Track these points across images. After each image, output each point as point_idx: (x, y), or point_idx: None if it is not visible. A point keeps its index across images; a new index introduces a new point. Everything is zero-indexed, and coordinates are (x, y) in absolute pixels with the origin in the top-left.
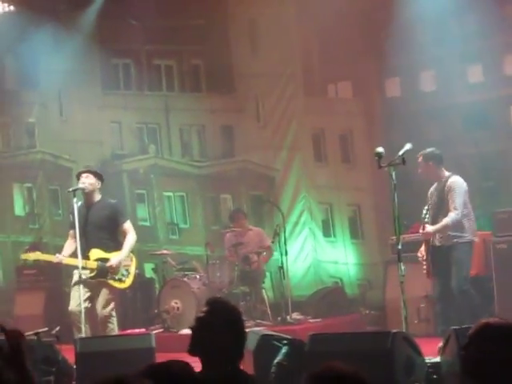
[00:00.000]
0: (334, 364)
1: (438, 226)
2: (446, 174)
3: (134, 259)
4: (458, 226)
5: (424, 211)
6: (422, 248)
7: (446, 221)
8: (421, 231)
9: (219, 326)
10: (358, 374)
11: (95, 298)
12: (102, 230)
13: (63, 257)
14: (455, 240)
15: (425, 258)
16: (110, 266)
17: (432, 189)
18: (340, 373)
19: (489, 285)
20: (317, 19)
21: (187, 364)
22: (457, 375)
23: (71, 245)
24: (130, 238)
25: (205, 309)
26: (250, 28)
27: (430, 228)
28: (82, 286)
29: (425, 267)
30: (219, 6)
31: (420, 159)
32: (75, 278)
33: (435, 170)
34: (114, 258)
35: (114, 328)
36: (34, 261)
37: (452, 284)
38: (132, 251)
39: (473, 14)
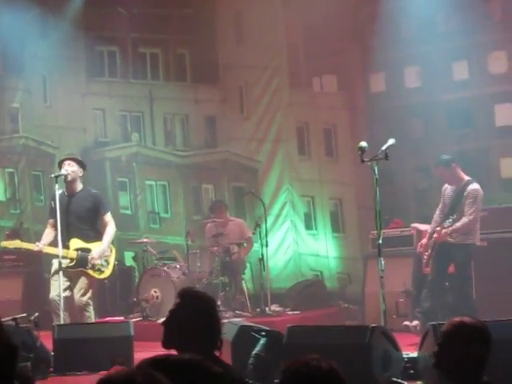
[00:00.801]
0: (310, 358)
1: (450, 229)
2: (466, 178)
3: (113, 250)
4: (469, 229)
5: (437, 213)
6: (424, 240)
7: (458, 225)
8: (435, 235)
9: (190, 316)
10: (333, 368)
11: (74, 287)
12: (83, 220)
13: (43, 246)
14: (465, 241)
15: (428, 252)
16: (92, 258)
17: (448, 190)
18: (315, 367)
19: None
20: (303, 12)
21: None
22: (434, 370)
23: (50, 233)
24: (110, 230)
25: (176, 301)
26: (236, 19)
27: (443, 231)
28: (61, 274)
29: (425, 257)
30: None
31: (440, 166)
32: (55, 266)
33: (457, 173)
34: (95, 250)
35: (90, 316)
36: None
37: (454, 282)
38: (112, 242)
39: (459, 11)
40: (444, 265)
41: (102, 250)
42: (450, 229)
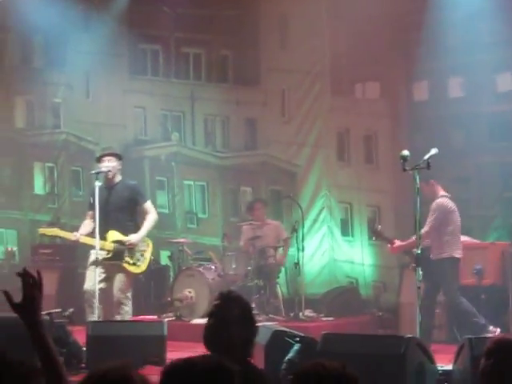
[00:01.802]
0: (330, 363)
1: (405, 243)
2: (440, 194)
3: (150, 245)
4: (440, 242)
5: None
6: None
7: (412, 238)
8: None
9: (232, 321)
10: (348, 372)
11: (110, 280)
12: (123, 211)
13: (80, 235)
14: (440, 255)
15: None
16: (130, 244)
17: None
18: (329, 371)
19: (503, 295)
20: (347, 19)
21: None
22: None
23: (88, 225)
24: (151, 218)
25: (217, 302)
26: (280, 23)
27: (397, 243)
28: (97, 266)
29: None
30: None
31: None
32: (92, 258)
33: (435, 190)
34: (134, 236)
35: (128, 311)
36: (51, 240)
37: (446, 298)
38: (149, 237)
39: (504, 22)
40: (430, 283)
41: (140, 236)
42: (405, 242)
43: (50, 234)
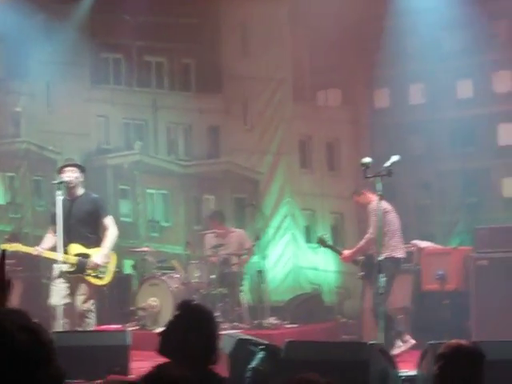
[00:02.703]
0: (310, 375)
1: (354, 250)
2: (372, 198)
3: (113, 257)
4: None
5: None
6: None
7: (359, 243)
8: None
9: (188, 328)
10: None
11: (74, 293)
12: (85, 224)
13: (42, 250)
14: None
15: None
16: (95, 264)
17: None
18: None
19: (466, 300)
20: (309, 26)
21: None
22: None
23: (50, 238)
24: (111, 234)
25: (176, 313)
26: (241, 30)
27: (346, 252)
28: (62, 280)
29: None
30: (212, 6)
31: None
32: (55, 272)
33: (367, 198)
34: (97, 255)
35: (91, 323)
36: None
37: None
38: (113, 249)
39: (464, 30)
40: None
41: (103, 255)
42: (353, 250)
43: (11, 249)
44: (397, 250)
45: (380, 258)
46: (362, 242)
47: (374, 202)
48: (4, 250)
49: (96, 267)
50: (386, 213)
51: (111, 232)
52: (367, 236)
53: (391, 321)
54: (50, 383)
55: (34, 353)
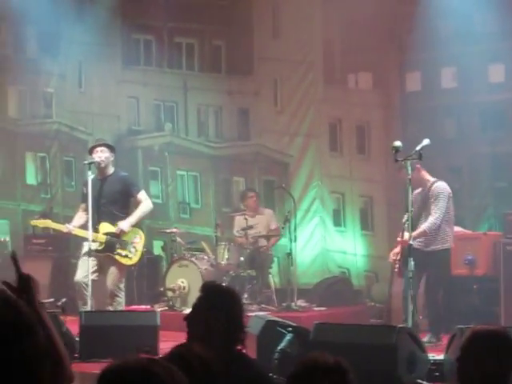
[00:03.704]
0: (318, 355)
1: (415, 233)
2: (431, 179)
3: (142, 237)
4: (438, 231)
5: (404, 219)
6: (397, 249)
7: (423, 227)
8: (398, 239)
9: (210, 309)
10: (341, 363)
11: (102, 272)
12: (115, 203)
13: (73, 227)
14: (435, 246)
15: (398, 258)
16: (120, 231)
17: (415, 195)
18: (322, 363)
19: (495, 286)
20: (340, 8)
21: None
22: None
23: (81, 217)
24: (143, 206)
25: (199, 295)
26: (273, 12)
27: (407, 235)
28: (90, 258)
29: (397, 266)
30: None
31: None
32: (84, 249)
33: (422, 176)
34: (123, 222)
35: (121, 302)
36: (44, 230)
37: (427, 288)
38: (141, 227)
39: (497, 13)
40: (419, 274)
41: (129, 223)
42: (416, 232)
43: (41, 225)
44: (451, 240)
45: (437, 248)
46: (425, 226)
47: (443, 183)
48: (14, 253)
49: (121, 233)
50: (451, 198)
51: (144, 205)
52: (432, 220)
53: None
54: (32, 357)
55: (15, 326)
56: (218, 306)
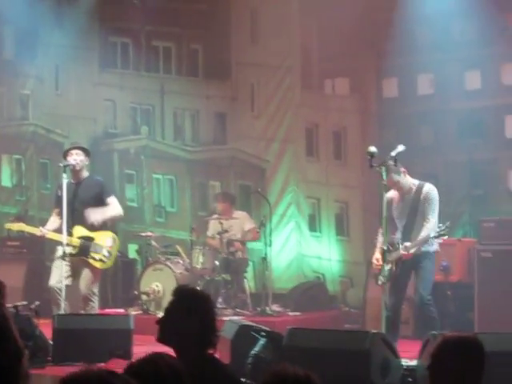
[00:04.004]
0: (288, 368)
1: (417, 242)
2: (416, 181)
3: (117, 241)
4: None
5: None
6: (377, 255)
7: (425, 233)
8: (402, 252)
9: (183, 314)
10: (311, 378)
11: (76, 276)
12: (89, 207)
13: (47, 231)
14: (423, 249)
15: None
16: (95, 220)
17: (395, 201)
18: (291, 376)
19: (469, 292)
20: (319, 13)
21: (172, 358)
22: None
23: (55, 221)
24: (114, 208)
25: (171, 299)
26: (251, 17)
27: (410, 246)
28: (64, 262)
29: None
30: None
31: (393, 177)
32: (58, 253)
33: (408, 178)
34: (94, 211)
35: (94, 306)
36: (18, 232)
37: (415, 295)
38: (116, 233)
39: (475, 21)
40: (406, 280)
41: (101, 216)
42: (419, 241)
43: (16, 229)
44: (436, 243)
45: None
46: (424, 234)
47: (431, 185)
48: None
49: (97, 224)
50: (437, 198)
51: (113, 208)
52: (429, 226)
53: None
54: (9, 360)
55: None
56: (191, 310)
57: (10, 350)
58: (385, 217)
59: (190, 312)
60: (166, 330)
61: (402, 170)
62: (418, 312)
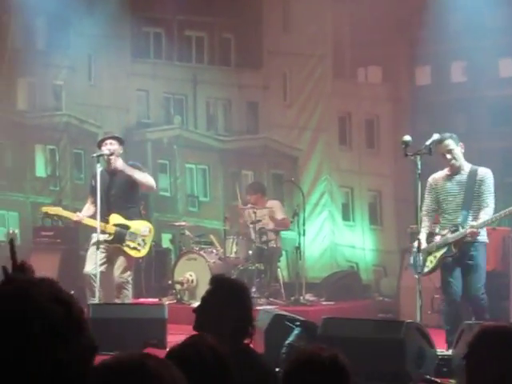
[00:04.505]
0: (312, 349)
1: (480, 223)
2: (468, 164)
3: (152, 230)
4: None
5: (424, 213)
6: (422, 239)
7: (487, 217)
8: (468, 231)
9: (220, 303)
10: (337, 359)
11: (111, 264)
12: (125, 196)
13: (83, 216)
14: (477, 238)
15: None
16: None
17: (438, 179)
18: (316, 358)
19: (504, 281)
20: (350, 2)
21: (213, 340)
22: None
23: (89, 208)
24: (148, 176)
25: (208, 288)
26: (283, 5)
27: (475, 225)
28: (99, 249)
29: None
30: None
31: (451, 142)
32: (93, 240)
33: (462, 155)
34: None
35: (128, 295)
36: (52, 222)
37: (469, 288)
38: (150, 221)
39: (508, 8)
40: (457, 270)
41: (136, 173)
42: (482, 222)
43: (52, 212)
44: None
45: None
46: (487, 217)
47: (485, 168)
48: (12, 240)
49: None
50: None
51: (147, 175)
52: (489, 210)
53: None
54: (83, 354)
55: (67, 324)
56: (229, 299)
57: (84, 343)
58: (419, 206)
59: (227, 301)
60: (203, 318)
61: (461, 143)
62: (469, 304)
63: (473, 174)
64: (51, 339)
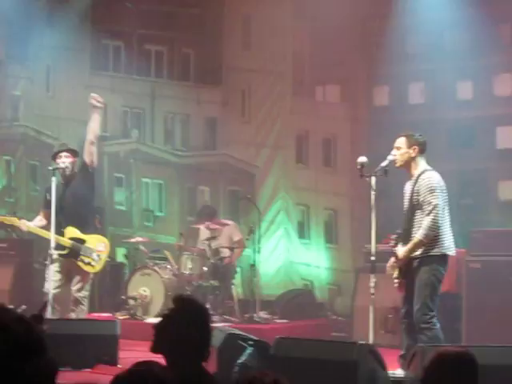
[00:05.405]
0: (254, 374)
1: (409, 246)
2: (424, 167)
3: (107, 246)
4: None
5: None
6: (393, 259)
7: (419, 234)
8: (392, 260)
9: (185, 323)
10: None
11: (67, 280)
12: (80, 208)
13: (30, 224)
14: (427, 252)
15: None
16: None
17: (406, 188)
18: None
19: (458, 303)
20: (311, 21)
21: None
22: None
23: (41, 220)
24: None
25: (171, 306)
26: (244, 22)
27: (400, 252)
28: (55, 265)
29: (396, 280)
30: None
31: (403, 140)
32: (52, 257)
33: (417, 160)
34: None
35: (85, 310)
36: (6, 234)
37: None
38: (106, 235)
39: (468, 32)
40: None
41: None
42: (411, 245)
43: (8, 222)
44: (451, 245)
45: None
46: (421, 232)
47: (430, 172)
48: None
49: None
50: (441, 188)
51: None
52: (427, 222)
53: None
54: (44, 373)
55: (30, 344)
56: (192, 321)
57: (44, 364)
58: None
59: (190, 322)
60: (164, 337)
61: (415, 147)
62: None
63: (416, 179)
64: (15, 358)
